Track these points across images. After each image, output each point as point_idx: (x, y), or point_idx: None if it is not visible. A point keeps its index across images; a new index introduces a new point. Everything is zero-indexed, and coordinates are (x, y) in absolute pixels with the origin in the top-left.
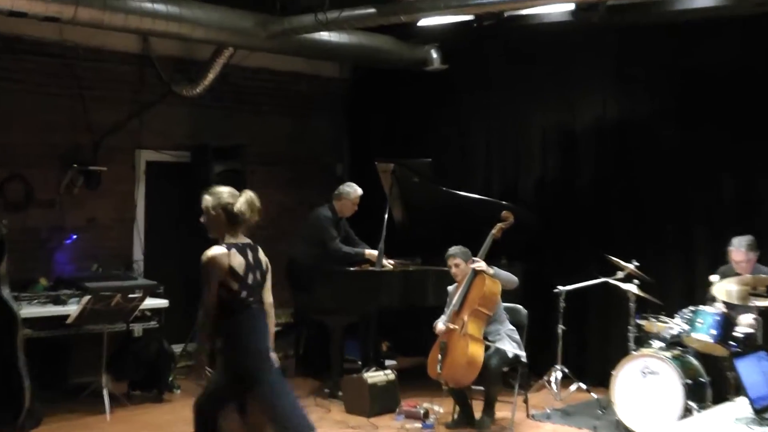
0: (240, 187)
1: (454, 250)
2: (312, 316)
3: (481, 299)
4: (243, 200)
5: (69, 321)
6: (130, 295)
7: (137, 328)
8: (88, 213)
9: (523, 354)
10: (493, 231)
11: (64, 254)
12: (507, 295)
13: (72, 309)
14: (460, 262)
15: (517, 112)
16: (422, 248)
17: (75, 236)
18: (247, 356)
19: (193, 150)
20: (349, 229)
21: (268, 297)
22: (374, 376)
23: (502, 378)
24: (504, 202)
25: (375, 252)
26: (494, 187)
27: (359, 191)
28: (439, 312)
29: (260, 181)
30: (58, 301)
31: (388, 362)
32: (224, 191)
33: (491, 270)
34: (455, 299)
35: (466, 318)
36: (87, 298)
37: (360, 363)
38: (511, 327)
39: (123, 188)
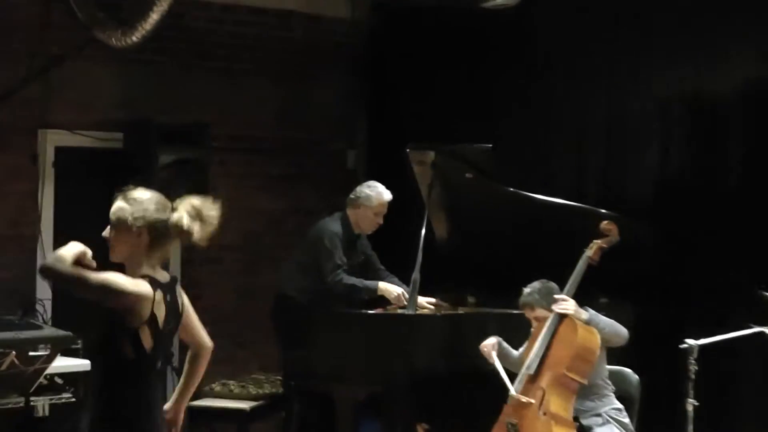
0: (202, 187)
1: (530, 293)
2: (310, 384)
3: (572, 360)
4: (186, 211)
5: None
6: (32, 353)
7: (41, 404)
8: None
9: None
10: (588, 252)
11: None
12: (607, 353)
13: None
14: (542, 313)
15: (623, 72)
16: (477, 279)
17: None
18: None
19: (129, 130)
20: (370, 252)
21: (204, 339)
22: None
23: None
24: (603, 211)
25: (394, 288)
26: (587, 188)
27: (385, 196)
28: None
29: (232, 177)
30: None
31: None
32: (149, 199)
33: (585, 314)
34: (531, 357)
35: (546, 387)
36: None
37: None
38: (618, 406)
39: (19, 189)
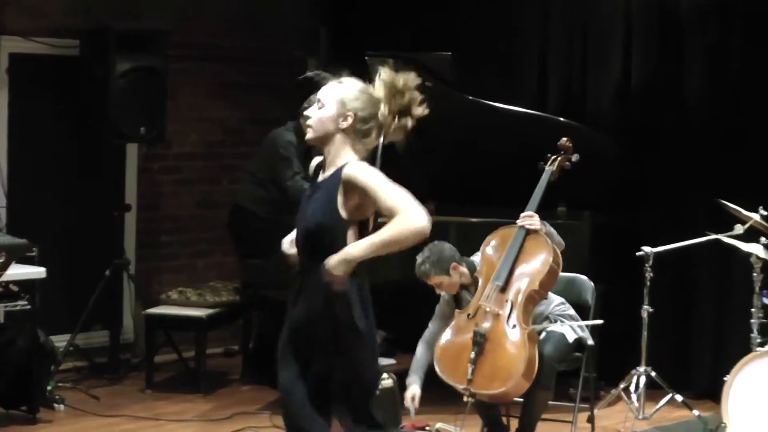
0: (159, 95)
1: (421, 263)
2: (267, 293)
3: (544, 276)
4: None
5: None
6: None
7: None
8: None
9: (587, 336)
10: (550, 167)
11: None
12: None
13: None
14: (442, 279)
15: None
16: (437, 190)
17: None
18: None
19: (85, 37)
20: None
21: None
22: None
23: (555, 379)
24: (563, 120)
25: None
26: (550, 99)
27: None
28: None
29: (188, 86)
30: None
31: (383, 361)
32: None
33: (544, 228)
34: (499, 269)
35: (514, 299)
36: None
37: None
38: (559, 301)
39: None
